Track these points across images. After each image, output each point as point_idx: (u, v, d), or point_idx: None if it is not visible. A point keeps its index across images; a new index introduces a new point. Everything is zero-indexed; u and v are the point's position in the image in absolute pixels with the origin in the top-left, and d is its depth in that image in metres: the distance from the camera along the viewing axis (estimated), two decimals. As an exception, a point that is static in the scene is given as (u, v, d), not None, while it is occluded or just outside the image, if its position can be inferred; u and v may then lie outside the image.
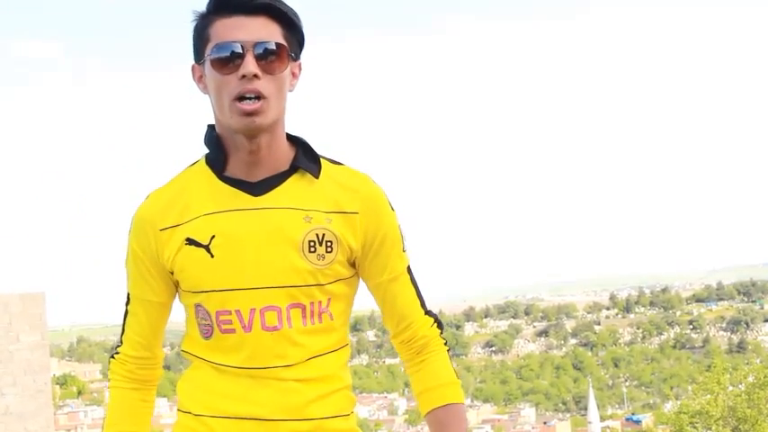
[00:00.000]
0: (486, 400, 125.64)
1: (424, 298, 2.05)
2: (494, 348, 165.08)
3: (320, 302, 1.93)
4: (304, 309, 1.91)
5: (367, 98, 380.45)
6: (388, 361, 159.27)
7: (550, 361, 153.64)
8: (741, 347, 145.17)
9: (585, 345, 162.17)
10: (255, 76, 1.83)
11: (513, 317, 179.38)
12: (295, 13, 1.91)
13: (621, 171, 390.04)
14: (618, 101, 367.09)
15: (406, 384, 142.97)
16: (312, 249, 1.90)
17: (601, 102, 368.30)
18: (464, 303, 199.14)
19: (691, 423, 27.71)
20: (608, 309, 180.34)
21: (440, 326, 2.04)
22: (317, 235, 1.91)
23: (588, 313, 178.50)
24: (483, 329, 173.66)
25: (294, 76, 1.93)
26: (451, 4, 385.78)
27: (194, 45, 1.94)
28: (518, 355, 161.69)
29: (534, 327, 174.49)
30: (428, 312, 2.04)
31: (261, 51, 1.84)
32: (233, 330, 1.91)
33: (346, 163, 2.03)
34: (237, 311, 1.90)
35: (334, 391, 1.96)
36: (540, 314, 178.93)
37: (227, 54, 1.84)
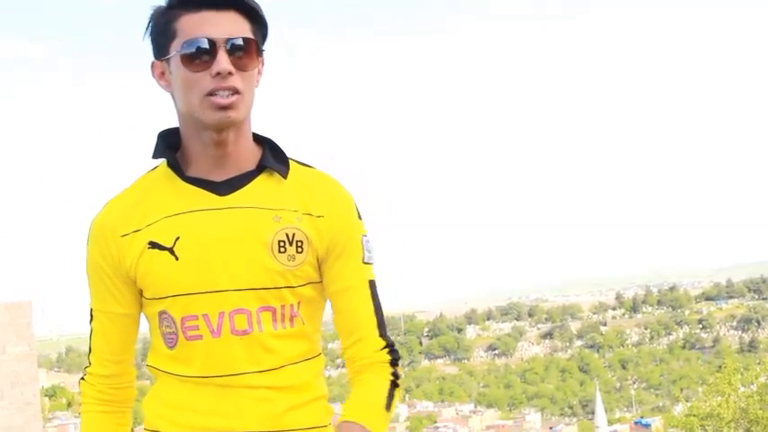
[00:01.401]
0: (489, 406, 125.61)
1: (385, 323, 1.98)
2: (497, 352, 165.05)
3: (291, 306, 1.90)
4: (274, 312, 1.88)
5: (367, 98, 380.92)
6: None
7: (556, 364, 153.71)
8: (752, 347, 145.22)
9: (592, 346, 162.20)
10: (229, 72, 1.82)
11: (517, 319, 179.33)
12: (260, 8, 1.91)
13: (626, 168, 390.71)
14: (621, 99, 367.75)
15: (407, 390, 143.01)
16: (282, 250, 1.87)
17: (604, 100, 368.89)
18: (465, 305, 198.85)
19: (701, 426, 27.72)
20: (614, 309, 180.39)
21: (393, 354, 1.96)
22: (287, 235, 1.88)
23: (594, 314, 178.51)
24: (485, 332, 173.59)
25: (259, 72, 1.92)
26: (451, 4, 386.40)
27: (155, 40, 1.91)
28: (522, 359, 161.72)
29: (538, 329, 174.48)
30: (384, 336, 1.97)
31: (232, 47, 1.83)
32: (200, 337, 1.87)
33: (316, 166, 2.01)
34: (205, 316, 1.86)
35: (310, 401, 1.93)
36: (545, 315, 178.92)
37: (198, 50, 1.82)
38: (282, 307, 1.89)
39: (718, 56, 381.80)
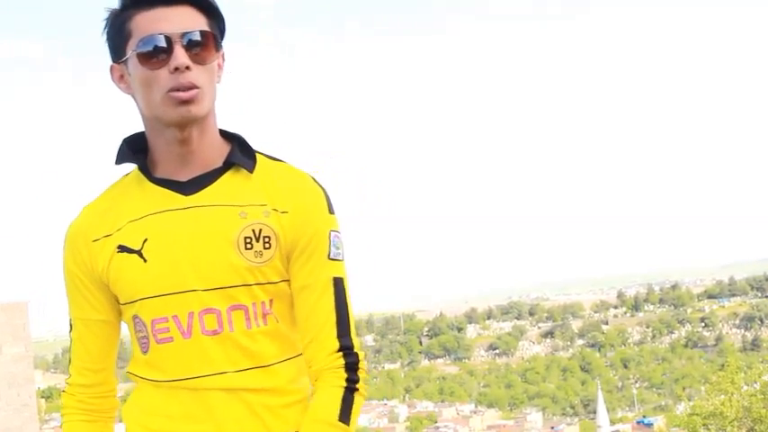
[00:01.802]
0: (490, 405, 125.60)
1: (349, 323, 1.90)
2: (497, 351, 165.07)
3: (263, 303, 1.87)
4: (246, 310, 1.86)
5: (367, 98, 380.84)
6: (388, 366, 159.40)
7: (557, 363, 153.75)
8: (755, 345, 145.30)
9: (593, 345, 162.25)
10: (188, 67, 1.80)
11: (517, 318, 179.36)
12: (215, 1, 1.90)
13: (627, 166, 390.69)
14: (622, 97, 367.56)
15: (407, 390, 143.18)
16: (249, 246, 1.85)
17: (605, 98, 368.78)
18: (466, 305, 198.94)
19: (704, 425, 27.75)
20: (616, 307, 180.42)
21: (348, 357, 1.87)
22: (254, 230, 1.86)
23: (595, 312, 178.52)
24: (486, 331, 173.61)
25: (219, 67, 1.91)
26: (451, 4, 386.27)
27: (112, 43, 1.90)
28: (523, 358, 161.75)
29: (539, 328, 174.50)
30: (342, 337, 1.88)
31: (189, 42, 1.81)
32: (170, 339, 1.85)
33: (287, 160, 1.98)
34: (175, 317, 1.84)
35: (292, 404, 1.90)
36: (546, 314, 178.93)
37: (155, 47, 1.81)
38: (254, 305, 1.86)
39: (717, 54, 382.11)
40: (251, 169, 1.91)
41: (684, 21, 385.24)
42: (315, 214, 1.91)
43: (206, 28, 1.85)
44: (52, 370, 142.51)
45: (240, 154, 1.92)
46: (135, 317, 1.90)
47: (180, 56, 1.80)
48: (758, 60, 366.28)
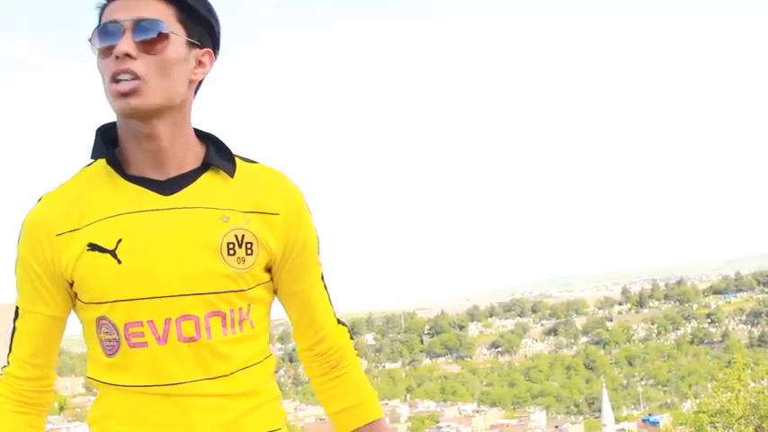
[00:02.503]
0: (493, 405, 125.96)
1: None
2: (500, 349, 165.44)
3: (240, 309, 1.86)
4: (224, 317, 1.84)
5: (367, 98, 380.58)
6: (388, 365, 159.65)
7: (560, 361, 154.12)
8: (763, 341, 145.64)
9: (597, 343, 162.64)
10: (128, 55, 1.76)
11: (520, 315, 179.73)
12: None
13: (631, 160, 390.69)
14: (628, 89, 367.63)
15: (408, 390, 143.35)
16: (231, 252, 1.83)
17: (609, 91, 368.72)
18: (467, 302, 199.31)
19: (711, 423, 27.77)
20: (620, 304, 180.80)
21: (351, 336, 2.07)
22: (236, 236, 1.84)
23: (599, 309, 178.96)
24: (488, 329, 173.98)
25: (201, 64, 1.87)
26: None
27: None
28: (526, 356, 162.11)
29: (542, 325, 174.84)
30: (340, 321, 2.04)
31: (139, 29, 1.78)
32: (144, 344, 1.81)
33: (260, 161, 1.97)
34: (150, 322, 1.81)
35: (263, 404, 1.92)
36: (549, 311, 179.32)
37: (104, 33, 1.80)
38: (232, 311, 1.85)
39: (720, 50, 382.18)
40: (232, 173, 1.89)
41: (688, 13, 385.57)
42: (303, 214, 1.94)
43: (170, 20, 1.81)
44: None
45: (217, 155, 1.90)
46: (102, 318, 1.85)
47: (122, 43, 1.77)
48: (761, 58, 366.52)
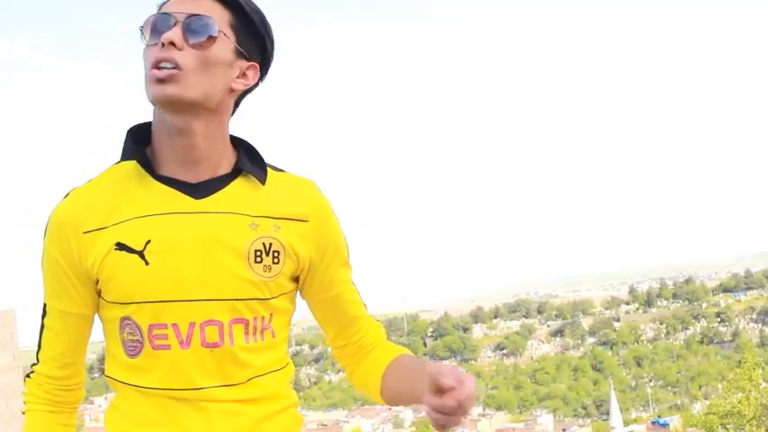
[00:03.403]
0: (498, 408, 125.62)
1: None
2: (505, 351, 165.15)
3: (263, 318, 1.90)
4: (247, 324, 1.87)
5: (367, 99, 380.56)
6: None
7: (567, 362, 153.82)
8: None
9: (605, 343, 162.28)
10: (173, 44, 1.79)
11: (525, 316, 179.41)
12: (256, 10, 1.89)
13: (637, 157, 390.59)
14: (633, 87, 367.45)
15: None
16: (258, 260, 1.86)
17: (614, 90, 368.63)
18: (471, 303, 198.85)
19: (722, 424, 27.79)
20: (628, 303, 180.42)
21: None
22: (264, 244, 1.87)
23: (606, 309, 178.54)
24: (493, 331, 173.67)
25: (245, 76, 1.89)
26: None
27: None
28: (532, 358, 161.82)
29: (548, 326, 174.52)
30: (371, 315, 2.12)
31: (190, 24, 1.80)
32: (168, 346, 1.84)
33: (288, 170, 2.01)
34: (174, 325, 1.83)
35: (281, 411, 1.95)
36: (555, 312, 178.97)
37: (155, 22, 1.82)
38: (255, 319, 1.88)
39: (725, 47, 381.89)
40: (263, 180, 1.92)
41: (690, 12, 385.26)
42: (333, 221, 1.99)
43: (222, 21, 1.83)
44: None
45: (249, 162, 1.92)
46: (126, 318, 1.87)
47: (171, 33, 1.79)
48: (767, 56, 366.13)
